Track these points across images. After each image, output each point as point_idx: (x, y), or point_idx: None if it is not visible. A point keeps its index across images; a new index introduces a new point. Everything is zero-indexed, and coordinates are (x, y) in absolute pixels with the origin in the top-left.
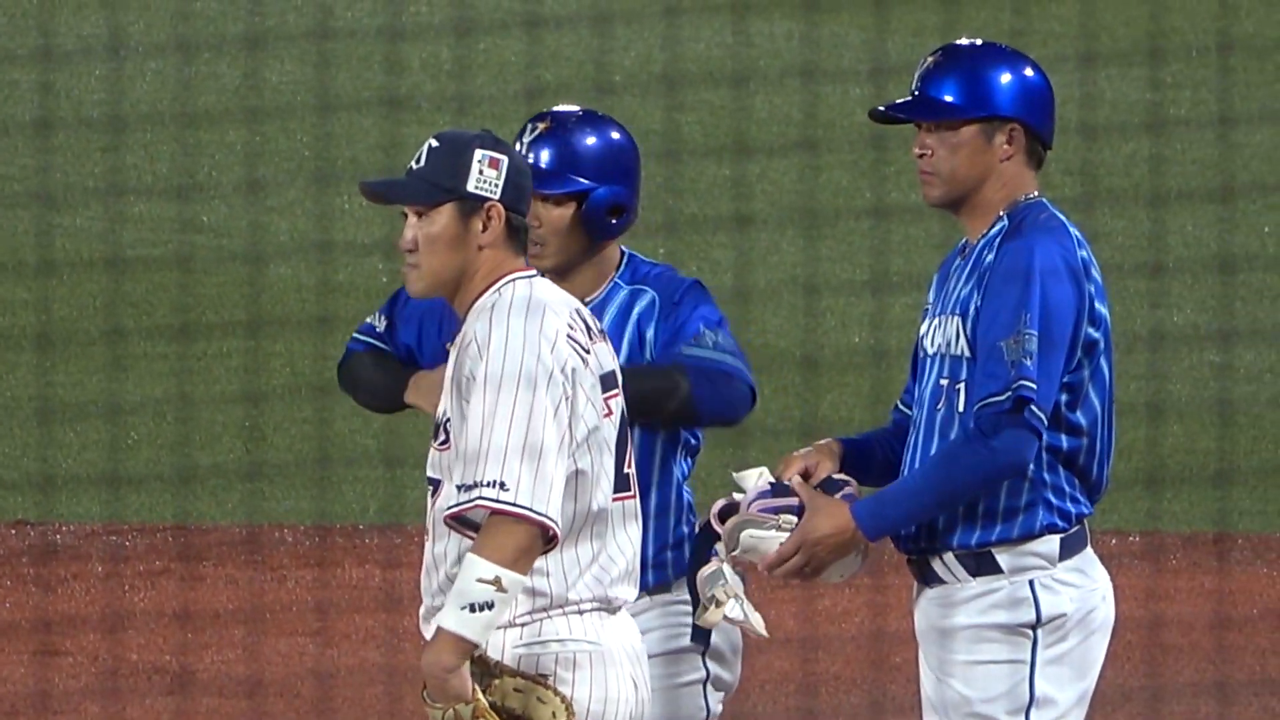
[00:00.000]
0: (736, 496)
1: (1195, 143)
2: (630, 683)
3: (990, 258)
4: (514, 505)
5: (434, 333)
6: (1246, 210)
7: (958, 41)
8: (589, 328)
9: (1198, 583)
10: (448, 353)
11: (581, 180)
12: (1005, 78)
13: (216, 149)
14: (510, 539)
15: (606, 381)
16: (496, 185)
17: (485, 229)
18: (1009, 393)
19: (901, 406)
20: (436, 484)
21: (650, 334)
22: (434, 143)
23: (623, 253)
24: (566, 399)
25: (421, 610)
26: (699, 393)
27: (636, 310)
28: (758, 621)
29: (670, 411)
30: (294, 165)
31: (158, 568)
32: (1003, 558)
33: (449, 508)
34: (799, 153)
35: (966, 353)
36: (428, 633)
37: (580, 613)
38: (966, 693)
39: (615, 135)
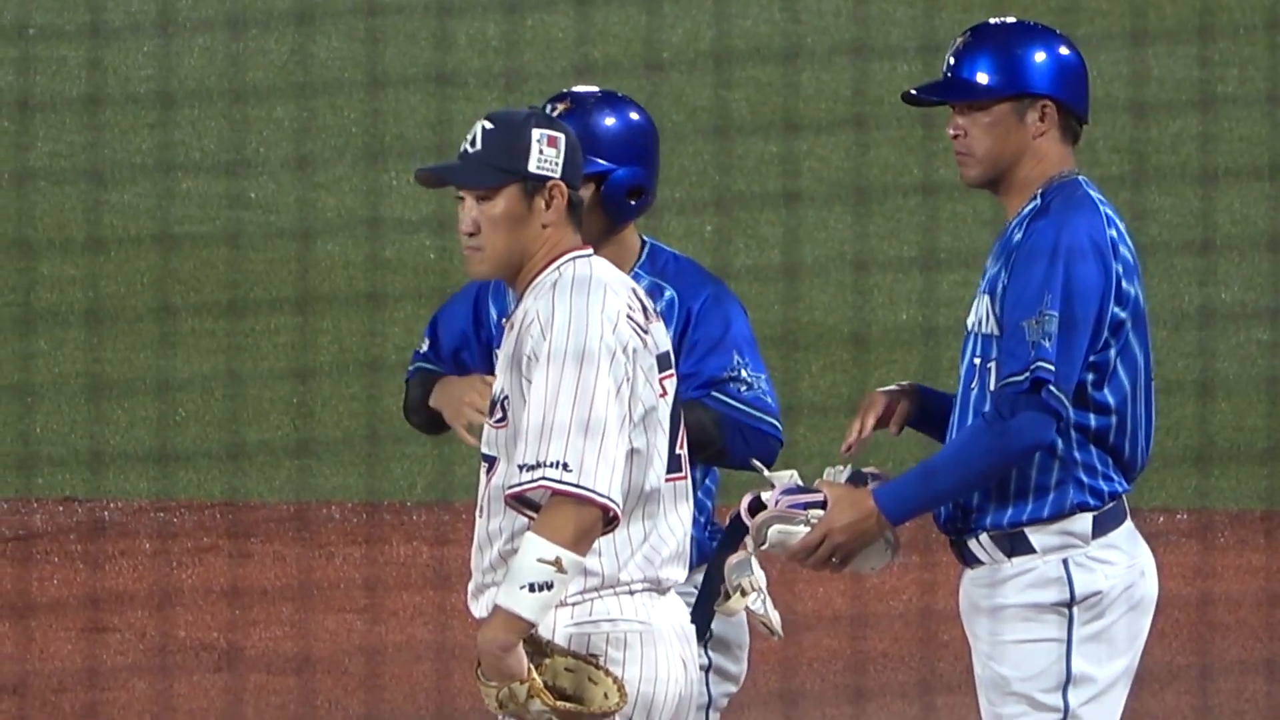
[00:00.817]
0: (765, 496)
1: (1244, 120)
2: (680, 662)
3: (1019, 237)
4: (577, 486)
5: (488, 314)
6: None
7: (988, 20)
8: (645, 308)
9: (1246, 560)
10: (503, 329)
11: (601, 161)
12: (1035, 55)
13: (265, 125)
14: (572, 520)
15: (662, 362)
16: (557, 164)
17: (549, 207)
18: (1027, 373)
19: None
20: (492, 461)
21: (671, 332)
22: (488, 124)
23: (643, 241)
24: (628, 379)
25: (470, 586)
26: (732, 447)
27: (657, 310)
28: (775, 620)
29: (700, 458)
30: (342, 141)
31: (206, 544)
32: (1035, 537)
33: (511, 487)
34: (847, 129)
35: (995, 331)
36: (476, 609)
37: (631, 593)
38: (1005, 672)
39: (634, 116)
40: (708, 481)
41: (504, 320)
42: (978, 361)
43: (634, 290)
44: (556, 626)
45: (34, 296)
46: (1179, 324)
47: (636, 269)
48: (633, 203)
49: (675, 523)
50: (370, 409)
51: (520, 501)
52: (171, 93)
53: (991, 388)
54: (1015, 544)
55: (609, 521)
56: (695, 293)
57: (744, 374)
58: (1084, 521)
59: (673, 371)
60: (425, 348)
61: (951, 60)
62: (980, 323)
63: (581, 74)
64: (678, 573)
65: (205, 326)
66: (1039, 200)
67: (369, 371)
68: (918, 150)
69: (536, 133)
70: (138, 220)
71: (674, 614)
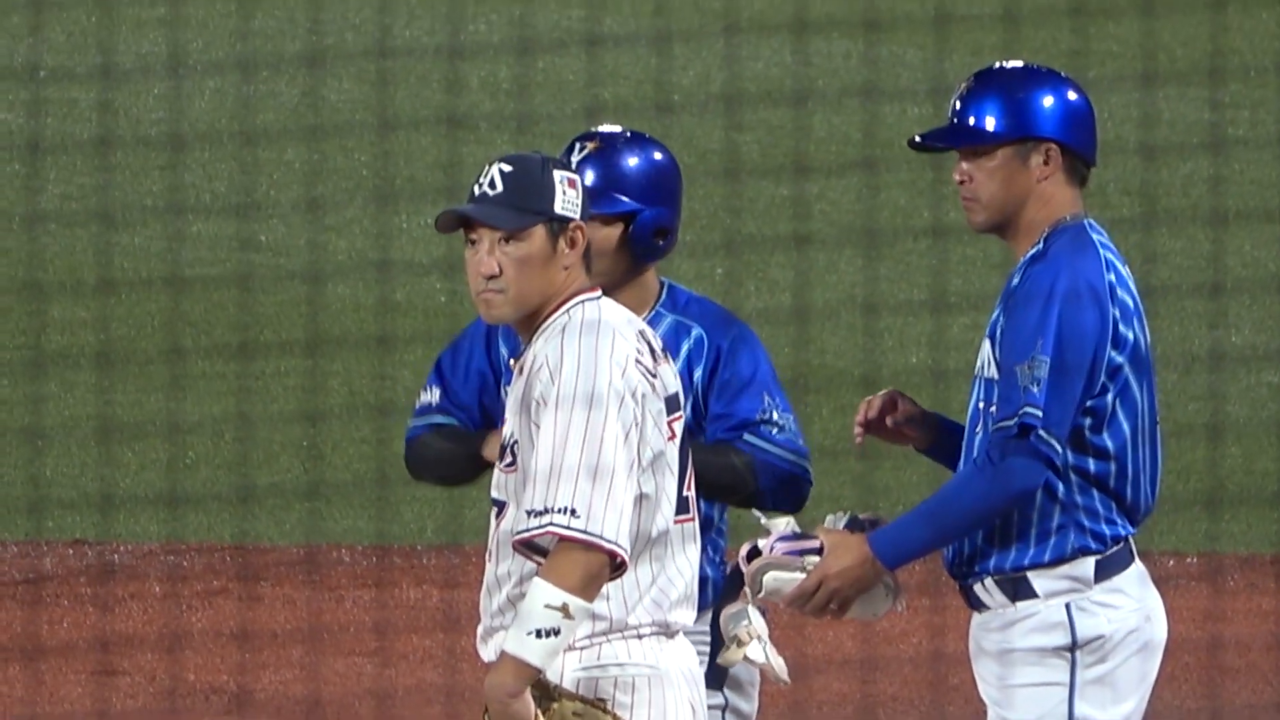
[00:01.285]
0: (761, 543)
1: (1254, 163)
2: (688, 707)
3: (1016, 281)
4: (585, 533)
5: (500, 355)
6: None
7: (992, 65)
8: (654, 350)
9: (1256, 604)
10: (512, 370)
11: (628, 201)
12: (1041, 99)
13: (275, 168)
14: (579, 566)
15: (670, 404)
16: (577, 205)
17: (572, 248)
18: (1015, 418)
19: None
20: (501, 505)
21: (699, 376)
22: (505, 167)
23: (661, 282)
24: (636, 424)
25: (480, 630)
26: (765, 488)
27: (685, 348)
28: (779, 666)
29: (732, 501)
30: (353, 184)
31: (216, 587)
32: (1038, 582)
33: (518, 532)
34: (858, 172)
35: (996, 375)
36: (485, 653)
37: (639, 637)
38: (1011, 716)
39: (659, 157)
40: (720, 522)
41: (512, 361)
42: (981, 405)
43: (642, 332)
44: (565, 671)
45: (44, 339)
46: (1189, 367)
47: (659, 308)
48: (660, 243)
49: (684, 565)
50: (380, 452)
51: (528, 547)
52: (182, 135)
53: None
54: (1019, 588)
55: (616, 567)
56: (723, 331)
57: (775, 415)
58: (1086, 565)
59: (681, 414)
60: (435, 399)
61: (956, 105)
62: (984, 366)
63: (592, 116)
64: (686, 615)
65: (215, 369)
66: (1041, 244)
67: (379, 415)
68: (928, 193)
69: (558, 174)
70: (148, 263)
71: (682, 657)
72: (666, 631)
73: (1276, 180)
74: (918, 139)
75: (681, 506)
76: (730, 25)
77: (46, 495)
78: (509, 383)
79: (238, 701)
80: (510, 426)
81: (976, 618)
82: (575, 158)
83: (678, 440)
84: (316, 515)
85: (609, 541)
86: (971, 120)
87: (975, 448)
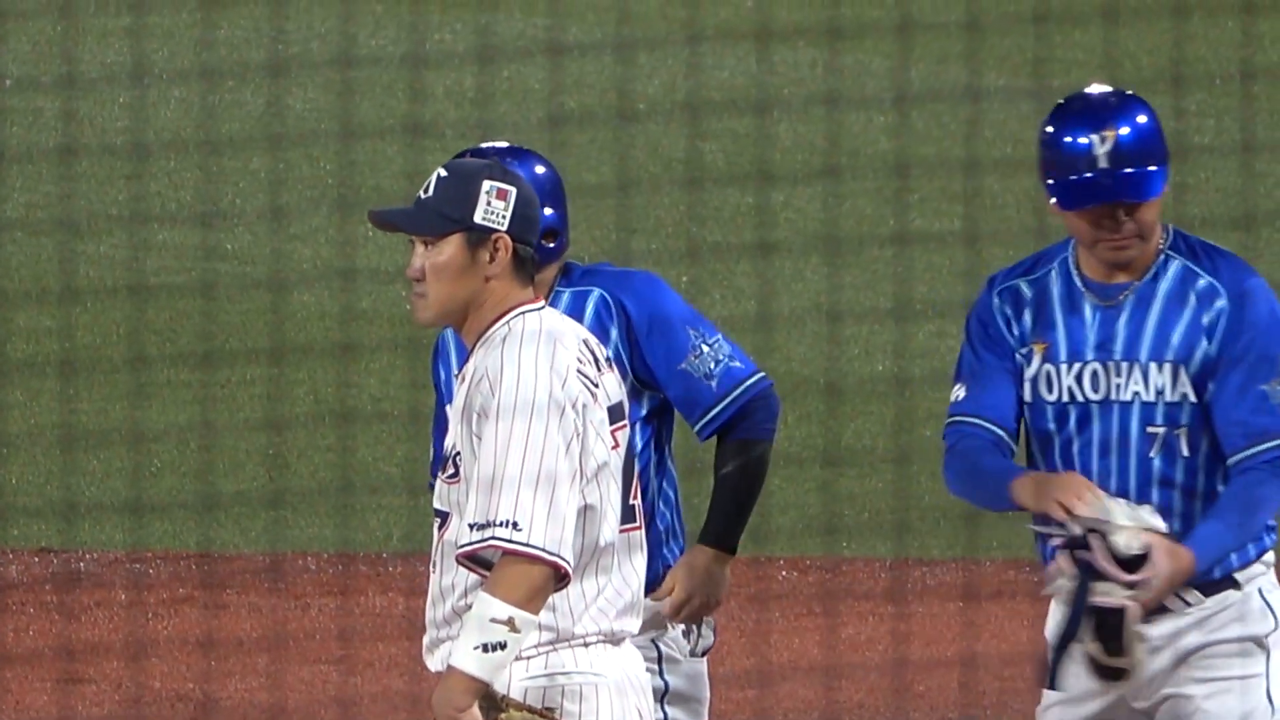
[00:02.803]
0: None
1: (1218, 171)
2: (636, 713)
3: (1223, 301)
4: (527, 546)
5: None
6: (1270, 238)
7: (1105, 98)
8: (596, 359)
9: None
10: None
11: None
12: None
13: (240, 176)
14: (524, 579)
15: (614, 413)
16: (504, 216)
17: (492, 260)
18: None
19: (990, 425)
20: (445, 516)
21: (616, 334)
22: (443, 172)
23: (565, 265)
24: (578, 435)
25: (426, 640)
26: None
27: (589, 311)
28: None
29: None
30: (317, 192)
31: (181, 595)
32: (1240, 574)
33: (461, 546)
34: (822, 180)
35: (1190, 397)
36: (431, 663)
37: (586, 645)
38: (1212, 709)
39: (540, 169)
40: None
41: (455, 376)
42: (1159, 430)
43: (585, 341)
44: (512, 680)
45: (9, 347)
46: None
47: (555, 288)
48: (550, 245)
49: (630, 574)
50: (345, 460)
51: (472, 559)
52: (147, 144)
53: (1184, 453)
54: (1227, 582)
55: (560, 579)
56: (621, 284)
57: (704, 348)
58: (1268, 554)
59: (625, 423)
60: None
61: (1117, 154)
62: (1164, 391)
63: (556, 124)
64: (632, 624)
65: (180, 377)
66: (1177, 256)
67: (344, 422)
68: (892, 201)
69: (487, 184)
70: (113, 271)
71: (629, 665)
72: (613, 640)
73: (1240, 188)
74: (1103, 200)
75: (627, 515)
76: (694, 34)
77: (10, 503)
78: (450, 400)
79: (203, 709)
80: (453, 437)
81: (1176, 620)
82: None
83: (622, 450)
84: (281, 523)
85: (551, 554)
86: (1143, 168)
87: (1154, 473)
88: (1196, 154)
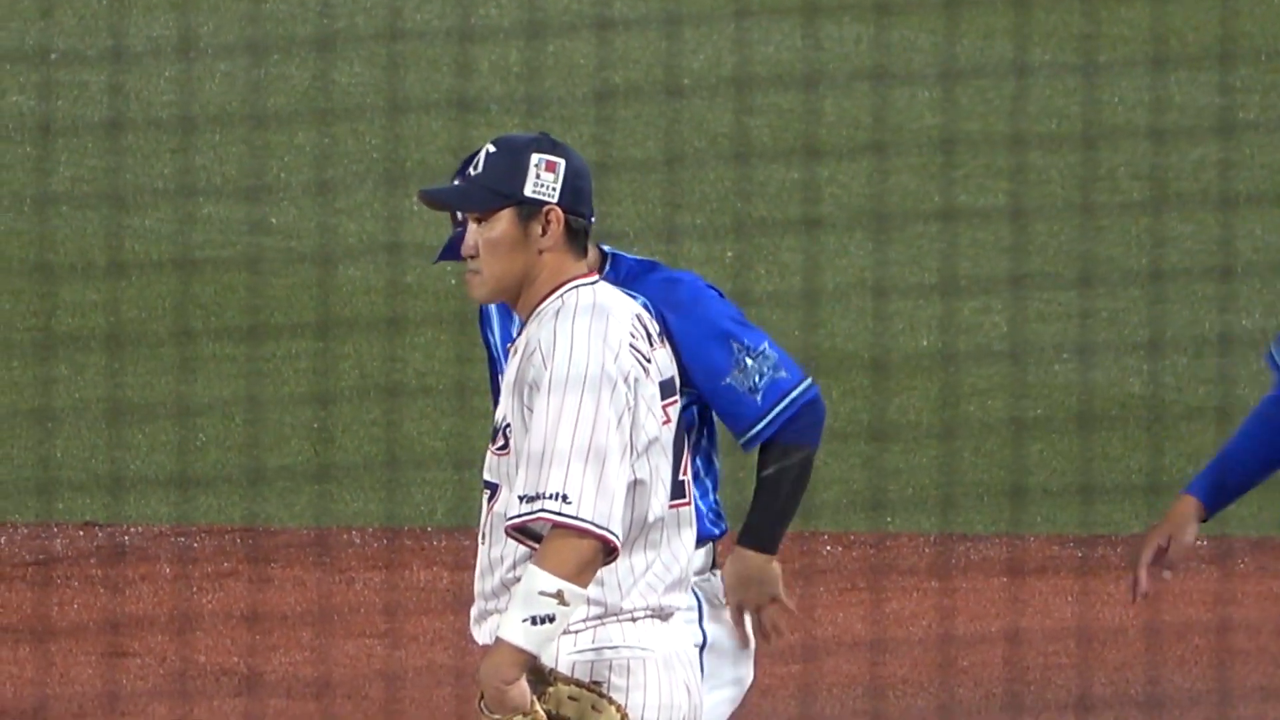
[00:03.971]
0: None
1: (1265, 147)
2: (684, 688)
3: None
4: (577, 519)
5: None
6: None
7: None
8: (649, 334)
9: (1266, 587)
10: (508, 355)
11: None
12: None
13: (286, 151)
14: (573, 552)
15: (665, 388)
16: (554, 188)
17: (545, 233)
18: None
19: None
20: (494, 488)
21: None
22: (491, 148)
23: (605, 252)
24: (629, 409)
25: (473, 612)
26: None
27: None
28: None
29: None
30: (363, 167)
31: (226, 569)
32: None
33: (510, 518)
34: (868, 156)
35: None
36: (479, 635)
37: (634, 620)
38: None
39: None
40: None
41: (508, 345)
42: None
43: (638, 316)
44: (560, 654)
45: (55, 321)
46: (1199, 350)
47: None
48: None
49: (679, 549)
50: (390, 434)
51: (521, 532)
52: (193, 118)
53: None
54: None
55: (609, 553)
56: (664, 295)
57: (748, 361)
58: None
59: (676, 399)
60: None
61: None
62: None
63: (603, 99)
64: (681, 599)
65: (225, 351)
66: None
67: (389, 397)
68: (938, 177)
69: (535, 157)
70: (159, 245)
71: (677, 640)
72: (661, 615)
73: None
74: None
75: (677, 491)
76: (741, 8)
77: (56, 477)
78: (503, 370)
79: (248, 683)
80: (503, 409)
81: None
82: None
83: (673, 425)
84: (327, 497)
85: (600, 527)
86: None
87: None
88: (1243, 130)
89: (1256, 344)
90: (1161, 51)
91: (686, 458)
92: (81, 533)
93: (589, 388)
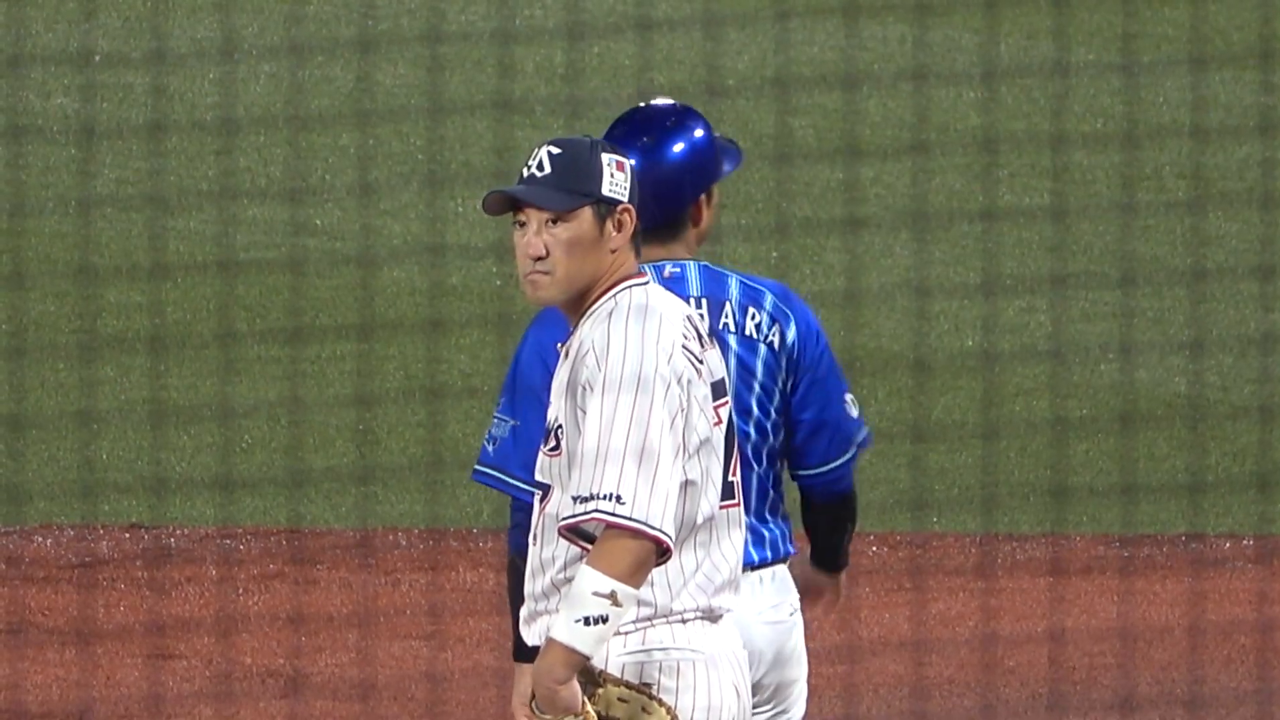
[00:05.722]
0: None
1: None
2: (733, 690)
3: None
4: (630, 520)
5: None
6: None
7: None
8: (700, 335)
9: None
10: (558, 354)
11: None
12: None
13: (329, 152)
14: (626, 553)
15: (717, 389)
16: (625, 188)
17: (619, 231)
18: None
19: None
20: (546, 489)
21: None
22: (555, 149)
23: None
24: (682, 410)
25: (524, 612)
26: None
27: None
28: None
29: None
30: (406, 168)
31: (271, 571)
32: None
33: (564, 518)
34: (911, 156)
35: None
36: (528, 636)
37: (684, 621)
38: None
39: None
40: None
41: (559, 346)
42: None
43: (689, 318)
44: (610, 656)
45: (99, 323)
46: (1243, 349)
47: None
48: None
49: (729, 550)
50: (434, 435)
51: (574, 532)
52: (236, 119)
53: None
54: None
55: (662, 553)
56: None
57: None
58: None
59: (727, 399)
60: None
61: None
62: None
63: (645, 100)
64: (731, 600)
65: (269, 353)
66: None
67: (433, 398)
68: (981, 177)
69: (606, 157)
70: (202, 246)
71: (727, 641)
72: (711, 616)
73: None
74: None
75: (727, 492)
76: (783, 9)
77: (101, 479)
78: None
79: (293, 685)
80: (555, 410)
81: None
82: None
83: (724, 426)
84: (371, 499)
85: (654, 528)
86: None
87: None
88: None
89: None
90: (1204, 50)
91: (736, 459)
92: (126, 535)
93: (643, 388)
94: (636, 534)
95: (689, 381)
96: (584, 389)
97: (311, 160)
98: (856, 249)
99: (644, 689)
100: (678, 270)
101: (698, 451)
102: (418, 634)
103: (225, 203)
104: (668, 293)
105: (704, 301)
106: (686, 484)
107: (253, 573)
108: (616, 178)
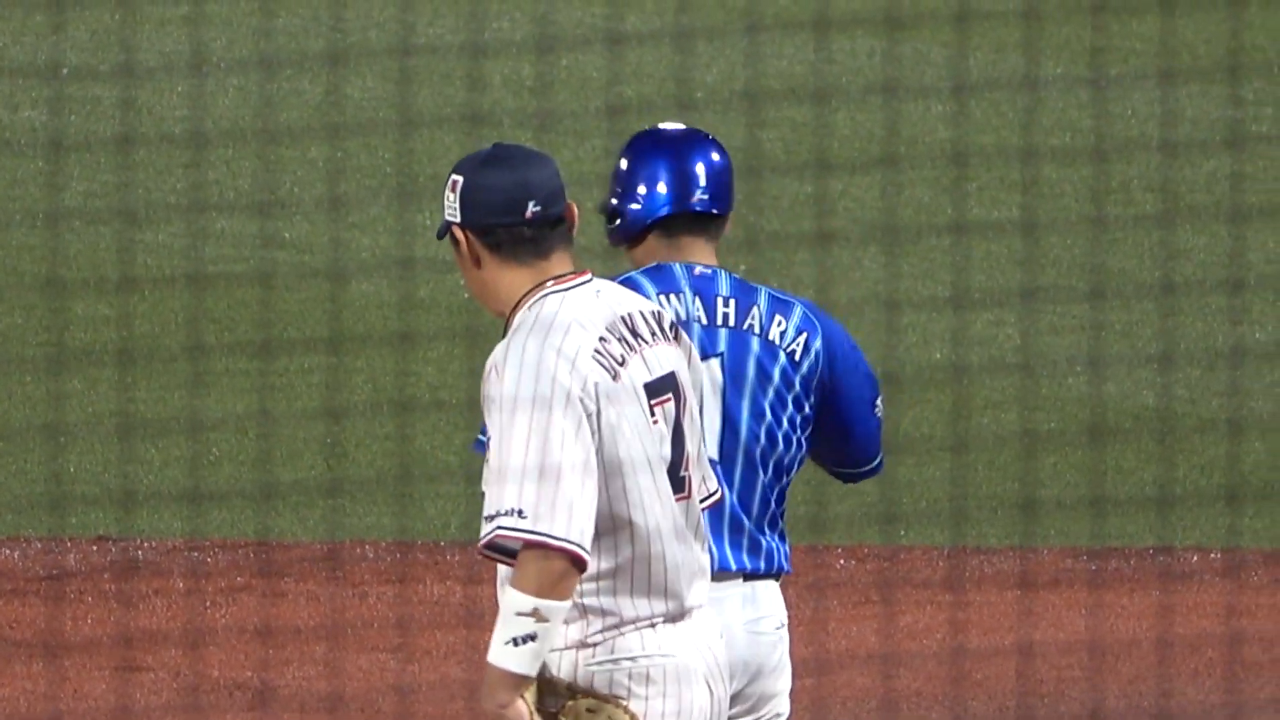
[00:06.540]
0: None
1: (1276, 159)
2: (705, 689)
3: None
4: (533, 533)
5: None
6: None
7: None
8: (637, 333)
9: (1278, 599)
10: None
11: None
12: None
13: (298, 165)
14: (539, 568)
15: (654, 387)
16: (455, 208)
17: (459, 250)
18: None
19: None
20: None
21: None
22: None
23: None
24: (589, 416)
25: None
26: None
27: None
28: None
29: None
30: (376, 182)
31: (239, 584)
32: None
33: (479, 541)
34: (880, 169)
35: None
36: None
37: (652, 625)
38: None
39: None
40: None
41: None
42: None
43: (623, 318)
44: (579, 665)
45: (67, 336)
46: (1211, 363)
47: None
48: (609, 226)
49: (686, 547)
50: (403, 448)
51: (500, 551)
52: (205, 133)
53: None
54: None
55: (580, 565)
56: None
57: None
58: None
59: (669, 396)
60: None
61: None
62: None
63: (614, 114)
64: (699, 595)
65: (238, 366)
66: None
67: (402, 411)
68: (950, 190)
69: (450, 179)
70: (171, 260)
71: (700, 637)
72: (680, 615)
73: None
74: None
75: (677, 486)
76: (753, 23)
77: (69, 491)
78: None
79: (261, 697)
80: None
81: None
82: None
83: (664, 425)
84: (339, 511)
85: (559, 539)
86: None
87: None
88: (1254, 143)
89: (1269, 357)
90: (1172, 65)
91: (700, 452)
92: (94, 547)
93: (539, 402)
94: (546, 548)
95: (597, 384)
96: (487, 404)
97: (280, 173)
98: (826, 262)
99: (613, 698)
100: (708, 271)
101: (620, 460)
102: (385, 646)
103: (194, 216)
104: (591, 294)
105: (732, 301)
106: (626, 492)
107: (221, 585)
108: (449, 199)
